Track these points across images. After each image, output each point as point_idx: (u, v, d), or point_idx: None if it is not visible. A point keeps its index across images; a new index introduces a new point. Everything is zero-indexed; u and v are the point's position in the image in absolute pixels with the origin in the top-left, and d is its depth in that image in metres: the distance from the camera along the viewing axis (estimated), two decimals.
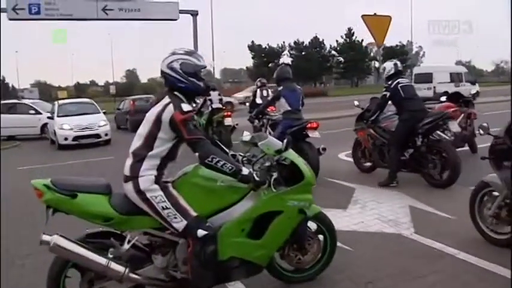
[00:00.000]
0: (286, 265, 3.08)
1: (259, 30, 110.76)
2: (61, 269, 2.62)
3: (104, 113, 14.35)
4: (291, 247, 3.00)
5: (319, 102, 23.67)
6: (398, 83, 5.95)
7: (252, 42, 61.43)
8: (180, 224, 2.57)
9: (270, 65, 55.12)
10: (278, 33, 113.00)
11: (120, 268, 2.60)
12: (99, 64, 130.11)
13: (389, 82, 6.04)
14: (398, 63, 6.36)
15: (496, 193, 3.62)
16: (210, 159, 2.54)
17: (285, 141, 2.85)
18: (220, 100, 10.46)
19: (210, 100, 10.25)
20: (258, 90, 11.71)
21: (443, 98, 8.75)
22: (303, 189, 2.87)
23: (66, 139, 12.69)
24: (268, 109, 7.73)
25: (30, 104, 17.38)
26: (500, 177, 3.45)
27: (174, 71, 2.67)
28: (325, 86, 62.53)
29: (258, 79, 12.69)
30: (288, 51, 61.43)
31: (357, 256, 3.58)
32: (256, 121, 7.79)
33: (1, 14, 16.98)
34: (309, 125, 6.24)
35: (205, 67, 2.76)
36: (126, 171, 2.64)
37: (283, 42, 62.01)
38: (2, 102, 16.87)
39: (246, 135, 3.11)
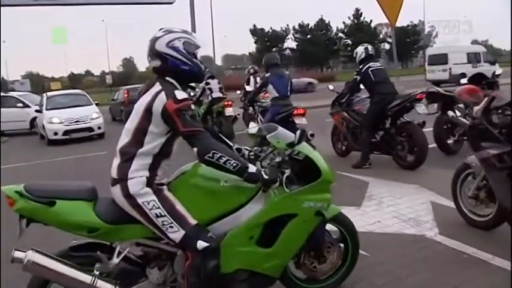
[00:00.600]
0: (301, 274, 2.71)
1: (261, 12, 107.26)
2: None
3: (97, 104, 13.70)
4: (307, 254, 2.63)
5: (325, 88, 23.05)
6: (369, 67, 6.11)
7: (254, 26, 60.23)
8: (177, 234, 2.17)
9: (273, 49, 54.12)
10: (281, 16, 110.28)
11: (108, 286, 2.22)
12: (95, 53, 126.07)
13: (361, 66, 6.22)
14: (369, 47, 6.46)
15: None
16: (210, 154, 2.13)
17: (298, 132, 2.45)
18: (221, 89, 9.92)
19: (210, 89, 9.62)
20: (251, 77, 11.32)
21: (463, 80, 8.17)
22: (320, 187, 2.49)
23: (56, 134, 11.99)
24: (261, 96, 7.57)
25: (18, 97, 16.54)
26: (478, 158, 3.40)
27: (176, 51, 2.25)
28: (332, 71, 61.32)
29: (250, 66, 12.48)
30: (293, 34, 60.26)
31: (375, 262, 3.17)
32: (251, 108, 7.72)
33: None
34: (296, 111, 6.20)
35: (200, 47, 2.37)
36: (113, 173, 2.25)
37: (287, 25, 60.76)
38: None
39: (253, 127, 2.72)
